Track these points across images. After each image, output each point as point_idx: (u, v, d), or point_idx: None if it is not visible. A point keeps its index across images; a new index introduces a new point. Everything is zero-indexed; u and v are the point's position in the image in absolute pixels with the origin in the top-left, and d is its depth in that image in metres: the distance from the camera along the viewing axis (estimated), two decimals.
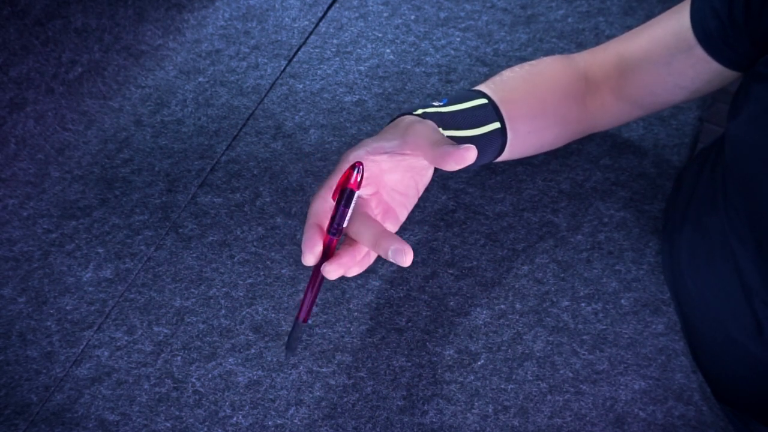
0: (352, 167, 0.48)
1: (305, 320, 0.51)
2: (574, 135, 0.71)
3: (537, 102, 0.65)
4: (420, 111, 0.56)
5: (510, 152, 0.64)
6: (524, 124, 0.63)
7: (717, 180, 0.65)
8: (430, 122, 0.54)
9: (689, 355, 0.65)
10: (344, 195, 0.48)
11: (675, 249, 0.69)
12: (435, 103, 0.58)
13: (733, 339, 0.62)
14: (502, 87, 0.63)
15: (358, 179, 0.48)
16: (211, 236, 0.76)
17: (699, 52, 0.61)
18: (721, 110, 0.73)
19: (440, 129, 0.55)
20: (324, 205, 0.50)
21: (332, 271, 0.48)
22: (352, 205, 0.48)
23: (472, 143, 0.57)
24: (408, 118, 0.55)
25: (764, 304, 0.58)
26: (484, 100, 0.60)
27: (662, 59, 0.63)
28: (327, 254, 0.49)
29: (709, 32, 0.59)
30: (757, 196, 0.56)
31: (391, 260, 0.46)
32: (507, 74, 0.66)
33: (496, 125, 0.60)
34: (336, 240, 0.49)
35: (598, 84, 0.68)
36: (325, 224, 0.49)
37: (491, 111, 0.60)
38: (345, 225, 0.49)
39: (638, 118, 0.72)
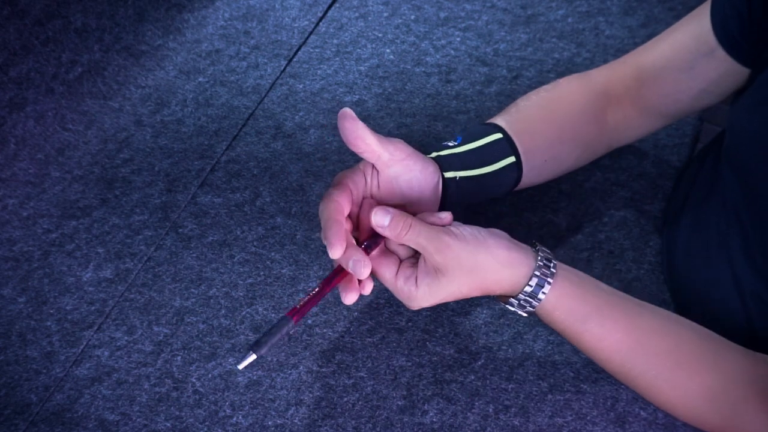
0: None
1: (296, 321, 0.52)
2: (595, 154, 0.70)
3: (554, 130, 0.64)
4: (434, 154, 0.57)
5: (526, 182, 0.64)
6: (541, 154, 0.63)
7: (715, 173, 0.65)
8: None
9: None
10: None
11: (672, 248, 0.69)
12: (450, 143, 0.59)
13: (727, 337, 0.62)
14: (517, 117, 0.63)
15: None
16: (211, 236, 0.76)
17: (720, 53, 0.60)
18: (722, 110, 0.73)
19: (453, 172, 0.58)
20: (337, 206, 0.52)
21: (351, 298, 0.53)
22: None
23: (485, 181, 0.59)
24: None
25: (753, 296, 0.59)
26: (498, 135, 0.60)
27: (684, 64, 0.63)
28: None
29: (730, 32, 0.59)
30: (750, 183, 0.57)
31: (350, 271, 0.52)
32: (522, 103, 0.65)
33: (511, 160, 0.60)
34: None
35: (619, 97, 0.67)
36: (343, 220, 0.52)
37: (505, 146, 0.60)
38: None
39: (660, 128, 0.71)
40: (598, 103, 0.67)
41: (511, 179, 0.62)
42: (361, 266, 0.51)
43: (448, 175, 0.57)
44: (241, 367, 0.50)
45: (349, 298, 0.53)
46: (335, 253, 0.50)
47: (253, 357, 0.49)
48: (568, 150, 0.67)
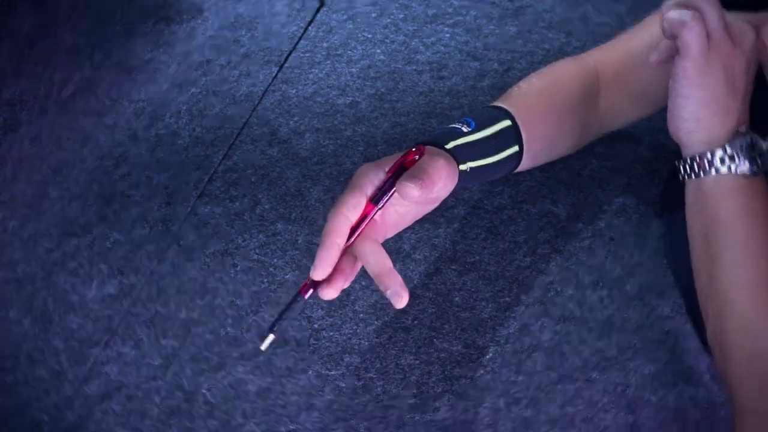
0: (417, 152, 0.51)
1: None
2: (587, 139, 0.69)
3: (555, 118, 0.64)
4: (451, 145, 0.56)
5: (520, 169, 0.63)
6: (541, 142, 0.63)
7: None
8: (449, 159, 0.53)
9: (696, 337, 0.65)
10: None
11: (673, 232, 0.69)
12: (464, 129, 0.57)
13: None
14: (524, 105, 0.62)
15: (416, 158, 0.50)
16: (213, 246, 0.76)
17: None
18: None
19: (465, 164, 0.56)
20: (345, 222, 0.49)
21: (329, 294, 0.49)
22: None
23: (487, 169, 0.58)
24: (433, 150, 0.54)
25: None
26: (507, 122, 0.59)
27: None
28: (359, 225, 0.50)
29: None
30: None
31: (387, 298, 0.48)
32: (525, 88, 0.64)
33: (515, 149, 0.60)
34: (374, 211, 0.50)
35: (608, 82, 0.67)
36: (343, 242, 0.49)
37: (512, 135, 0.60)
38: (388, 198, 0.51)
39: (650, 114, 0.71)
40: (592, 87, 0.67)
41: (509, 168, 0.61)
42: (398, 298, 0.49)
43: (462, 167, 0.56)
44: (263, 347, 0.48)
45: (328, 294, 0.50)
46: (316, 275, 0.49)
47: (272, 337, 0.48)
48: (566, 137, 0.67)
